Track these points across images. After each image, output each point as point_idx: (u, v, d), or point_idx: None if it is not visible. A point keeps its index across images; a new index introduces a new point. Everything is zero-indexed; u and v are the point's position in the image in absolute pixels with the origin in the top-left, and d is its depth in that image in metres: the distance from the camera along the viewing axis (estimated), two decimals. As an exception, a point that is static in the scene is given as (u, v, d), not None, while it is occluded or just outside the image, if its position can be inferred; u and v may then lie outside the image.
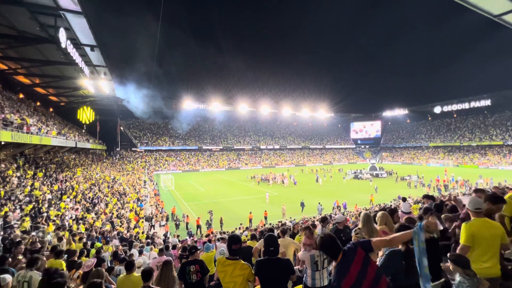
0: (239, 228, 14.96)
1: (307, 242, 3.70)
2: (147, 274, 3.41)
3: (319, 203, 20.62)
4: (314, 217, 15.70)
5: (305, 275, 3.59)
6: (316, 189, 31.37)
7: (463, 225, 2.91)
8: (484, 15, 8.70)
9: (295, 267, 3.19)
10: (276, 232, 6.99)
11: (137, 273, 4.16)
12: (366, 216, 3.89)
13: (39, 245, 6.48)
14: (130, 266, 4.08)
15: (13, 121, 16.10)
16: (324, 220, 6.03)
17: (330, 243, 2.15)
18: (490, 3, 8.16)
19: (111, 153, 51.24)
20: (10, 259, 4.94)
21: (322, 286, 3.50)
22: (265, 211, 19.44)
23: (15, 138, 15.09)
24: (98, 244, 8.16)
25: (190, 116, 66.25)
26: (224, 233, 13.16)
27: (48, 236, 9.64)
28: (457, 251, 2.94)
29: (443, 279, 2.89)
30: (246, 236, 8.04)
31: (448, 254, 2.76)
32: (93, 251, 7.28)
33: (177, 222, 18.45)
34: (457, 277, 2.43)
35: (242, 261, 2.86)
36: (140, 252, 7.83)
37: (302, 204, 21.10)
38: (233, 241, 2.94)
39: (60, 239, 7.38)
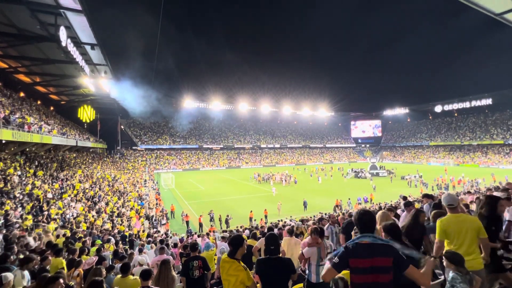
0: (241, 227, 14.97)
1: (311, 242, 3.75)
2: (146, 274, 3.42)
3: (349, 199, 21.72)
4: (314, 216, 15.68)
5: (308, 272, 3.63)
6: (317, 188, 31.38)
7: (437, 221, 3.04)
8: (486, 13, 8.66)
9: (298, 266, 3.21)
10: (276, 231, 6.99)
11: (132, 275, 4.17)
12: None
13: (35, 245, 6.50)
14: (126, 268, 4.04)
15: (15, 119, 16.13)
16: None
17: (369, 219, 2.15)
18: (492, 1, 8.12)
19: (112, 151, 51.31)
20: (11, 257, 4.96)
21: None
22: (265, 209, 19.47)
23: (16, 137, 15.12)
24: (98, 241, 8.20)
25: (191, 115, 66.25)
26: (224, 231, 13.16)
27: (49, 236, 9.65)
28: (434, 247, 3.07)
29: (442, 278, 2.90)
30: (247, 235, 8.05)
31: (444, 252, 2.78)
32: (93, 249, 7.31)
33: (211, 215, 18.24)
34: (450, 273, 2.46)
35: (239, 263, 2.76)
36: (140, 251, 7.85)
37: (305, 203, 21.25)
38: (228, 241, 3.03)
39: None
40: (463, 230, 2.84)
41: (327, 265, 2.10)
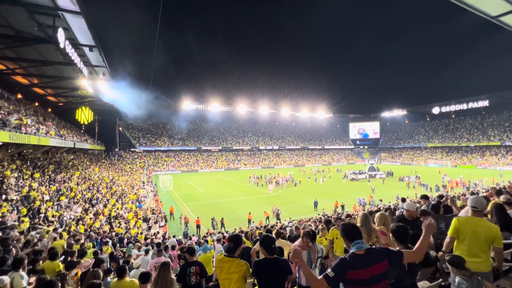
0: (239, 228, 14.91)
1: (302, 245, 3.75)
2: (144, 276, 3.39)
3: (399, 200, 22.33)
4: (312, 218, 15.68)
5: (298, 275, 3.64)
6: (316, 189, 31.38)
7: (454, 219, 3.08)
8: (482, 16, 8.76)
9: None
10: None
11: (130, 277, 4.14)
12: (365, 216, 3.93)
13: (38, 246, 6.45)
14: (121, 272, 4.00)
15: (12, 121, 16.04)
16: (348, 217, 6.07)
17: (350, 229, 2.19)
18: (488, 4, 8.22)
19: (110, 153, 51.10)
20: (9, 261, 4.92)
21: None
22: (265, 211, 19.41)
23: (13, 139, 15.01)
24: (90, 244, 8.18)
25: (189, 116, 66.21)
26: (220, 233, 13.10)
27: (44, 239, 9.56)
28: (444, 242, 3.10)
29: (440, 280, 2.91)
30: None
31: (446, 256, 2.79)
32: (90, 251, 7.26)
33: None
34: (456, 279, 2.43)
35: (240, 259, 2.88)
36: (147, 252, 7.78)
37: (316, 203, 21.71)
38: (228, 238, 3.04)
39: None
40: (478, 234, 2.84)
41: (320, 276, 2.01)
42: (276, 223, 16.52)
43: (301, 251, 2.17)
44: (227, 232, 14.35)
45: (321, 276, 1.98)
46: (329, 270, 1.98)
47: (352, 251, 2.05)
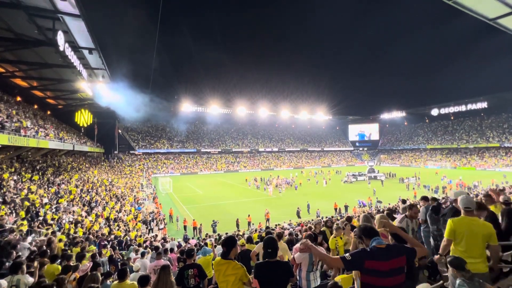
0: (236, 233, 14.84)
1: (303, 248, 3.73)
2: (144, 280, 3.36)
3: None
4: (311, 220, 15.64)
5: (299, 277, 3.62)
6: (316, 191, 31.35)
7: (448, 220, 3.05)
8: (480, 18, 8.82)
9: None
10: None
11: (130, 280, 4.11)
12: (365, 217, 3.93)
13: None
14: (122, 274, 3.99)
15: (11, 124, 16.01)
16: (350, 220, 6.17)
17: (368, 228, 2.39)
18: (486, 7, 8.27)
19: (109, 156, 51.02)
20: (7, 264, 4.89)
21: (316, 286, 3.65)
22: (267, 213, 19.34)
23: (12, 141, 14.97)
24: (92, 247, 8.11)
25: (189, 118, 66.25)
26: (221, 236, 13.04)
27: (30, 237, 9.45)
28: (441, 245, 3.10)
29: (441, 281, 2.89)
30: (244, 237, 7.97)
31: (446, 257, 2.78)
32: (87, 255, 7.21)
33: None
34: (457, 281, 2.42)
35: (236, 262, 2.85)
36: (143, 255, 7.74)
37: (308, 206, 21.78)
38: (221, 242, 3.06)
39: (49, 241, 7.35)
40: (474, 233, 2.83)
41: (337, 256, 2.16)
42: (276, 225, 16.46)
43: (310, 243, 2.43)
44: (225, 234, 14.27)
45: (337, 256, 2.15)
46: (347, 254, 2.12)
47: (374, 244, 2.17)
